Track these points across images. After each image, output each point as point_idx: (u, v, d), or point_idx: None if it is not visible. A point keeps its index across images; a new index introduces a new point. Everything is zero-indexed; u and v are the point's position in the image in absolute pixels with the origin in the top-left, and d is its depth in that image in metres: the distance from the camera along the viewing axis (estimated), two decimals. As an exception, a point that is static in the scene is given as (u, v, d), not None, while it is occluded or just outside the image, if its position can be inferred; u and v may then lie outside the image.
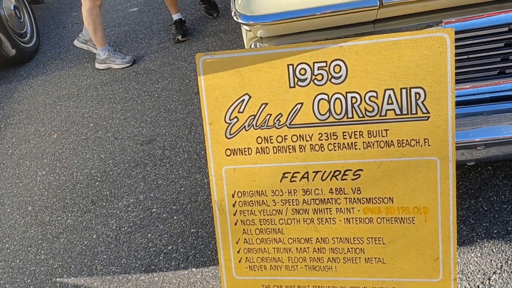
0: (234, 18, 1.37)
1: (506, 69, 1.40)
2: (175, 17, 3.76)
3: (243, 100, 1.40)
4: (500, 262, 1.68)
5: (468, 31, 1.33)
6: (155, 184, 2.41)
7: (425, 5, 1.26)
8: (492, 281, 1.62)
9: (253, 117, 1.40)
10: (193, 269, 1.89)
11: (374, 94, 1.33)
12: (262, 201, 1.45)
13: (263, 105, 1.39)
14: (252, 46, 1.48)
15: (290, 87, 1.37)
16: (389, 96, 1.32)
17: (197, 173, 2.41)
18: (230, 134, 1.42)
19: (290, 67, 1.36)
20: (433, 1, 1.25)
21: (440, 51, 1.27)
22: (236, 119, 1.41)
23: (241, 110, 1.40)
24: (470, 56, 1.38)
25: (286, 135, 1.40)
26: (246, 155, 1.43)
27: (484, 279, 1.64)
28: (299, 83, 1.36)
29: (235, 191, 1.45)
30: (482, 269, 1.67)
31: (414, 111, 1.31)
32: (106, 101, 3.23)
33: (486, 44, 1.35)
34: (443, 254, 1.35)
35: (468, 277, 1.66)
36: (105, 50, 3.59)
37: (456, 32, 1.35)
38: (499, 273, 1.64)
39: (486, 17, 1.30)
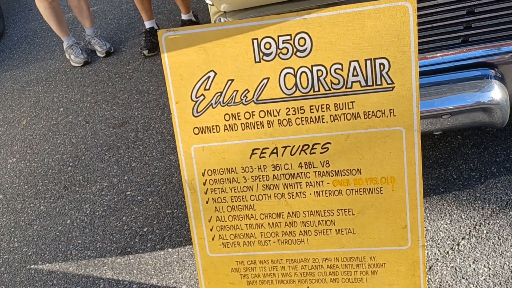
0: (195, -8, 1.33)
1: (469, 37, 1.41)
2: (148, 24, 3.31)
3: (209, 77, 1.37)
4: (469, 228, 1.73)
5: (433, -1, 1.33)
6: (129, 167, 2.38)
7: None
8: (461, 247, 1.68)
9: (219, 94, 1.38)
10: (169, 250, 1.90)
11: (339, 66, 1.32)
12: (233, 178, 1.44)
13: (229, 81, 1.37)
14: (216, 21, 1.45)
15: (255, 62, 1.35)
16: (354, 67, 1.31)
17: (171, 154, 2.39)
18: (197, 112, 1.40)
19: (255, 41, 1.34)
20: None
21: (402, 21, 1.26)
22: (202, 97, 1.39)
23: (207, 87, 1.38)
24: (433, 25, 1.38)
25: (254, 111, 1.39)
26: (214, 132, 1.41)
27: (453, 245, 1.69)
28: (265, 57, 1.34)
29: (205, 170, 1.45)
30: (452, 235, 1.72)
31: (379, 82, 1.31)
32: (76, 85, 3.15)
33: (449, 12, 1.36)
34: (410, 222, 1.38)
35: (438, 244, 1.70)
36: (66, 41, 3.36)
37: (420, 1, 1.34)
38: (468, 239, 1.70)
39: (449, -15, 1.30)
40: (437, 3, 1.34)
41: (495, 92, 1.40)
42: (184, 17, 3.37)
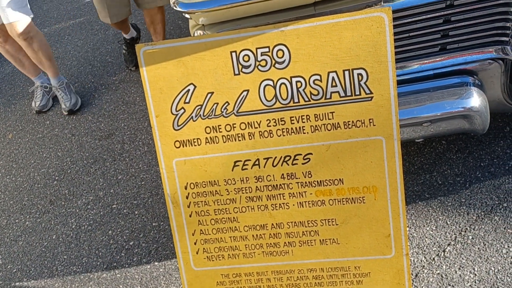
0: (172, 6, 1.33)
1: (446, 45, 1.42)
2: (127, 36, 3.13)
3: (188, 90, 1.37)
4: (454, 234, 1.74)
5: (408, 9, 1.34)
6: (115, 179, 2.36)
7: (361, -15, 1.26)
8: (447, 253, 1.68)
9: (200, 107, 1.38)
10: (156, 263, 1.88)
11: (318, 77, 1.32)
12: (215, 191, 1.44)
13: (209, 94, 1.37)
14: (195, 34, 1.45)
15: (234, 74, 1.35)
16: (333, 78, 1.32)
17: (158, 165, 2.38)
18: (178, 126, 1.40)
19: (233, 54, 1.34)
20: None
21: (379, 31, 1.27)
22: (182, 110, 1.39)
23: (187, 100, 1.38)
24: (411, 34, 1.39)
25: (235, 123, 1.38)
26: (195, 146, 1.41)
27: (439, 251, 1.69)
28: (244, 70, 1.35)
29: (187, 183, 1.44)
30: (437, 242, 1.72)
31: (357, 92, 1.32)
32: (62, 97, 3.13)
33: (426, 21, 1.37)
34: (394, 231, 1.38)
35: (424, 251, 1.71)
36: (34, 81, 3.05)
37: (396, 11, 1.36)
38: (453, 245, 1.70)
39: (424, -5, 1.31)
40: (413, 12, 1.35)
41: (474, 99, 1.41)
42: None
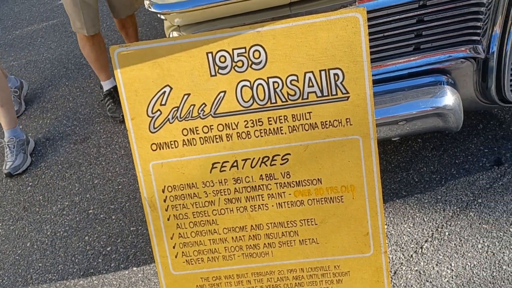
0: (147, 7, 1.31)
1: (420, 45, 1.44)
2: (107, 85, 2.73)
3: (164, 92, 1.35)
4: (431, 230, 1.76)
5: (382, 9, 1.35)
6: (91, 184, 2.31)
7: (337, -15, 1.27)
8: (424, 249, 1.70)
9: (176, 108, 1.36)
10: (134, 268, 1.85)
11: (295, 77, 1.32)
12: (194, 193, 1.42)
13: (186, 96, 1.35)
14: (171, 35, 1.43)
15: (211, 75, 1.34)
16: (309, 78, 1.32)
17: (135, 169, 2.34)
18: (154, 128, 1.38)
19: (209, 55, 1.32)
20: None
21: (354, 31, 1.28)
22: (159, 112, 1.37)
23: (163, 102, 1.36)
24: (385, 34, 1.40)
25: (212, 125, 1.37)
26: (172, 148, 1.39)
27: (417, 248, 1.72)
28: (220, 71, 1.33)
29: (165, 186, 1.42)
30: (415, 239, 1.75)
31: (334, 92, 1.32)
32: (36, 100, 3.06)
33: (400, 21, 1.38)
34: (372, 229, 1.39)
35: (402, 248, 1.73)
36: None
37: (370, 11, 1.37)
38: (431, 241, 1.73)
39: (397, -5, 1.33)
40: (387, 12, 1.36)
41: (448, 98, 1.43)
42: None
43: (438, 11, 1.35)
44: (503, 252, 1.61)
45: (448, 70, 1.49)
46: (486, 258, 1.61)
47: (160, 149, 1.39)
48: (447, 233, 1.73)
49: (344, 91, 1.32)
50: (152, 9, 1.29)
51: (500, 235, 1.68)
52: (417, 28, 1.39)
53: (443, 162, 2.01)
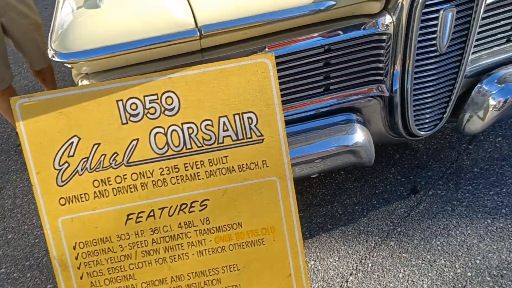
0: (51, 56, 1.26)
1: (329, 86, 1.51)
2: None
3: (72, 142, 1.29)
4: (356, 263, 1.80)
5: (290, 54, 1.40)
6: (4, 239, 2.12)
7: (245, 33, 1.30)
8: (350, 283, 1.73)
9: (85, 159, 1.29)
10: (50, 332, 1.69)
11: (210, 122, 1.32)
12: (108, 248, 1.34)
13: (96, 146, 1.30)
14: (80, 83, 1.38)
15: (122, 123, 1.30)
16: (224, 123, 1.32)
17: (42, 226, 2.18)
18: (62, 181, 1.30)
19: (120, 103, 1.29)
20: (252, 29, 1.29)
21: (264, 76, 1.31)
22: (66, 164, 1.29)
23: (71, 153, 1.29)
24: (296, 77, 1.45)
25: (125, 175, 1.32)
26: (83, 201, 1.31)
27: (342, 282, 1.74)
28: (132, 118, 1.30)
29: (76, 243, 1.33)
30: (340, 273, 1.77)
31: (249, 135, 1.33)
32: None
33: (309, 64, 1.44)
34: (294, 270, 1.39)
35: (329, 283, 1.74)
36: None
37: (280, 56, 1.41)
38: (355, 274, 1.76)
39: (304, 41, 1.39)
40: (296, 57, 1.41)
41: (358, 135, 1.50)
42: None
43: (342, 55, 1.43)
44: (422, 280, 1.68)
45: (358, 108, 1.57)
46: (407, 287, 1.67)
47: (69, 203, 1.31)
48: (370, 265, 1.78)
49: (258, 134, 1.33)
50: (57, 59, 1.24)
51: (419, 262, 1.75)
52: (325, 71, 1.46)
53: (364, 193, 2.09)
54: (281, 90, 1.46)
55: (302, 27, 1.39)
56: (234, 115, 1.32)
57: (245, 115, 1.32)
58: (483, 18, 1.47)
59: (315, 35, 1.38)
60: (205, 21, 1.24)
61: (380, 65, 1.47)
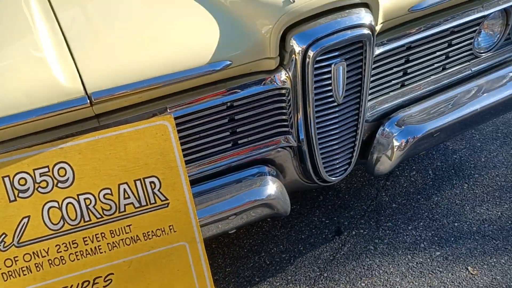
0: None
1: (237, 140, 1.50)
2: None
3: (-49, 227, 1.16)
4: (285, 315, 1.76)
5: (193, 113, 1.39)
6: None
7: (140, 96, 1.27)
8: (279, 337, 1.68)
9: (-32, 244, 1.17)
10: None
11: (109, 191, 1.25)
12: None
13: (-20, 228, 1.18)
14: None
15: (10, 201, 1.20)
16: (124, 190, 1.26)
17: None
18: None
19: (6, 179, 1.19)
20: (147, 92, 1.27)
21: (164, 138, 1.28)
22: None
23: (-50, 240, 1.16)
24: (202, 134, 1.43)
25: (17, 256, 1.20)
26: (-33, 292, 1.18)
27: (272, 337, 1.68)
28: (21, 194, 1.20)
29: None
30: (270, 328, 1.72)
31: (153, 201, 1.28)
32: None
33: (214, 121, 1.43)
34: (212, 338, 1.32)
35: None
36: None
37: (184, 115, 1.39)
38: (285, 327, 1.71)
39: (206, 99, 1.38)
40: (200, 115, 1.40)
41: (270, 188, 1.49)
42: None
43: (246, 110, 1.43)
44: (349, 326, 1.67)
45: (270, 159, 1.57)
46: (335, 336, 1.64)
47: (-50, 296, 1.16)
48: (298, 316, 1.74)
49: (163, 198, 1.28)
50: None
51: (345, 308, 1.74)
52: (231, 127, 1.45)
53: (291, 240, 2.08)
54: (188, 148, 1.44)
55: (204, 85, 1.39)
56: (135, 181, 1.27)
57: (147, 180, 1.27)
58: (375, 67, 1.55)
59: (216, 92, 1.38)
60: (95, 88, 1.20)
61: (284, 117, 1.49)
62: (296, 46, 1.32)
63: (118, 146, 1.25)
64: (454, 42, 1.66)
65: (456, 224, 2.05)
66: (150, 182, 1.27)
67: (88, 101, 1.20)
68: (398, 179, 2.33)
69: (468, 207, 2.11)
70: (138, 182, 1.27)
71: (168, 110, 1.37)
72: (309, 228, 2.13)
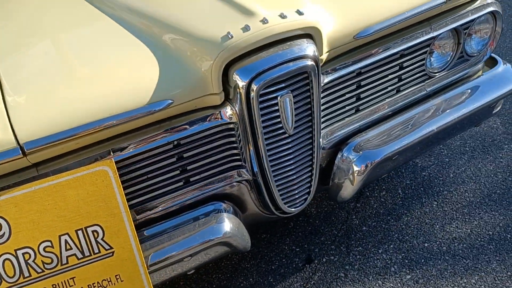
0: None
1: (189, 178, 1.46)
2: None
3: None
4: None
5: (139, 154, 1.34)
6: None
7: (78, 143, 1.22)
8: None
9: None
10: None
11: (49, 243, 1.20)
12: None
13: None
14: None
15: None
16: (66, 241, 1.20)
17: None
18: None
19: None
20: (84, 138, 1.22)
21: (105, 184, 1.23)
22: None
23: None
24: (149, 175, 1.39)
25: (-50, 321, 1.13)
26: None
27: None
28: (-47, 254, 1.14)
29: None
30: None
31: (97, 250, 1.22)
32: None
33: (161, 161, 1.38)
34: None
35: None
36: None
37: (128, 158, 1.34)
38: None
39: (151, 140, 1.34)
40: (146, 155, 1.35)
41: (226, 225, 1.44)
42: None
43: (194, 147, 1.40)
44: None
45: (227, 194, 1.53)
46: None
47: None
48: None
49: (107, 247, 1.23)
50: None
51: None
52: (180, 165, 1.41)
53: (261, 271, 2.02)
54: (137, 190, 1.39)
55: (148, 124, 1.35)
56: (76, 231, 1.21)
57: (89, 229, 1.22)
58: (327, 95, 1.53)
59: (161, 132, 1.34)
60: (27, 138, 1.15)
61: (236, 151, 1.45)
62: (239, 81, 1.29)
63: (56, 196, 1.20)
64: (405, 64, 1.65)
65: (426, 244, 2.01)
66: (93, 231, 1.22)
67: (21, 152, 1.15)
68: (368, 200, 2.30)
69: (437, 226, 2.09)
70: (80, 232, 1.21)
71: (112, 153, 1.32)
72: (279, 258, 2.07)
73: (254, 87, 1.29)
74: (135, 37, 1.44)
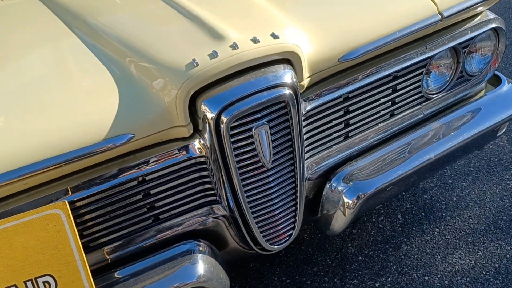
0: None
1: (159, 216, 1.33)
2: None
3: None
4: None
5: (101, 192, 1.22)
6: None
7: (26, 183, 1.10)
8: None
9: None
10: None
11: (-6, 296, 1.07)
12: None
13: None
14: None
15: None
16: (13, 294, 1.08)
17: None
18: None
19: None
20: (35, 178, 1.10)
21: (57, 230, 1.11)
22: None
23: None
24: (112, 215, 1.26)
25: None
26: None
27: None
28: None
29: None
30: None
31: (48, 304, 1.10)
32: None
33: (125, 199, 1.26)
34: None
35: None
36: None
37: (89, 196, 1.22)
38: None
39: (112, 177, 1.21)
40: (109, 193, 1.23)
41: (200, 267, 1.31)
42: None
43: (161, 183, 1.27)
44: None
45: (204, 230, 1.40)
46: None
47: None
48: None
49: (60, 300, 1.10)
50: None
51: None
52: (147, 202, 1.29)
53: (247, 306, 1.89)
54: (100, 230, 1.26)
55: (110, 159, 1.22)
56: (25, 282, 1.09)
57: (40, 280, 1.09)
58: (311, 122, 1.40)
59: (124, 167, 1.22)
60: (-33, 180, 1.03)
61: (209, 185, 1.32)
62: (208, 112, 1.16)
63: (2, 243, 1.07)
64: (399, 86, 1.51)
65: (426, 278, 1.86)
66: (44, 282, 1.09)
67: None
68: (365, 226, 2.15)
69: (439, 257, 1.93)
70: (29, 283, 1.09)
71: (70, 192, 1.20)
72: (268, 290, 1.94)
73: (224, 119, 1.15)
74: (99, 61, 1.31)
